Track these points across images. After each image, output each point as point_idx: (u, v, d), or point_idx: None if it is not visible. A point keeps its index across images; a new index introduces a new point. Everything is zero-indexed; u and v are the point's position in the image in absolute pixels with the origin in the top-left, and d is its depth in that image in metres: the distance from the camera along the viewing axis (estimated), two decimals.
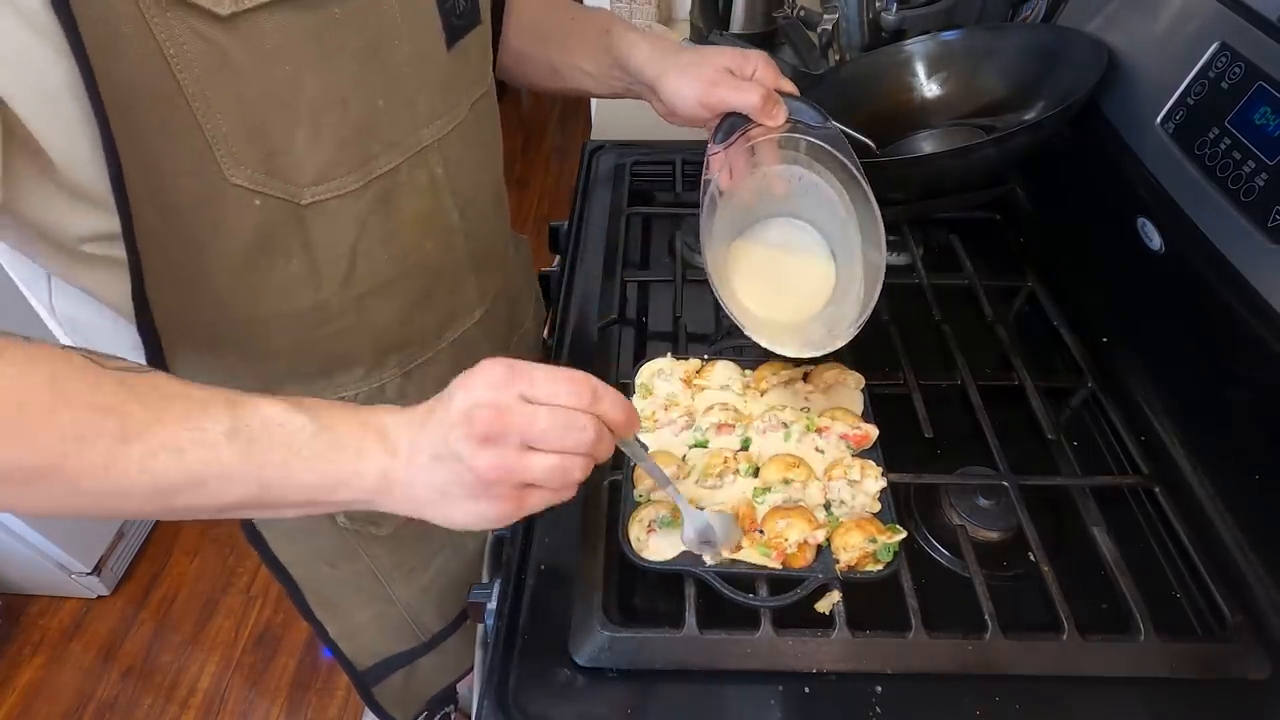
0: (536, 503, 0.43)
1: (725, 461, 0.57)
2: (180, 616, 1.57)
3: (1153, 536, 0.60)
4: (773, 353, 0.66)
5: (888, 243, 0.60)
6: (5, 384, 0.36)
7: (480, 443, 0.39)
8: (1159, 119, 0.66)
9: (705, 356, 0.66)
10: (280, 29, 0.43)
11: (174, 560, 1.66)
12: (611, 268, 0.81)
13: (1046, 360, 0.72)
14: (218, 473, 0.39)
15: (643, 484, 0.56)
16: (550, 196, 2.65)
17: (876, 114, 0.87)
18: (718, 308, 0.80)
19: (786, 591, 0.52)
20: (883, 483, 0.56)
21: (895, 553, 0.52)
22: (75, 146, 0.40)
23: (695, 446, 0.60)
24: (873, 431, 0.59)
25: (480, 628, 0.65)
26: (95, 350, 0.40)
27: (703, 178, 0.64)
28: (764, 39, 1.20)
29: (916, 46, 0.88)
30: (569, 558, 0.56)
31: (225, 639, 1.53)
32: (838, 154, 0.62)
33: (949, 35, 0.87)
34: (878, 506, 0.55)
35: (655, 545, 0.53)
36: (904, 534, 0.53)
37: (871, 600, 0.53)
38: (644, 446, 0.49)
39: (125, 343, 0.53)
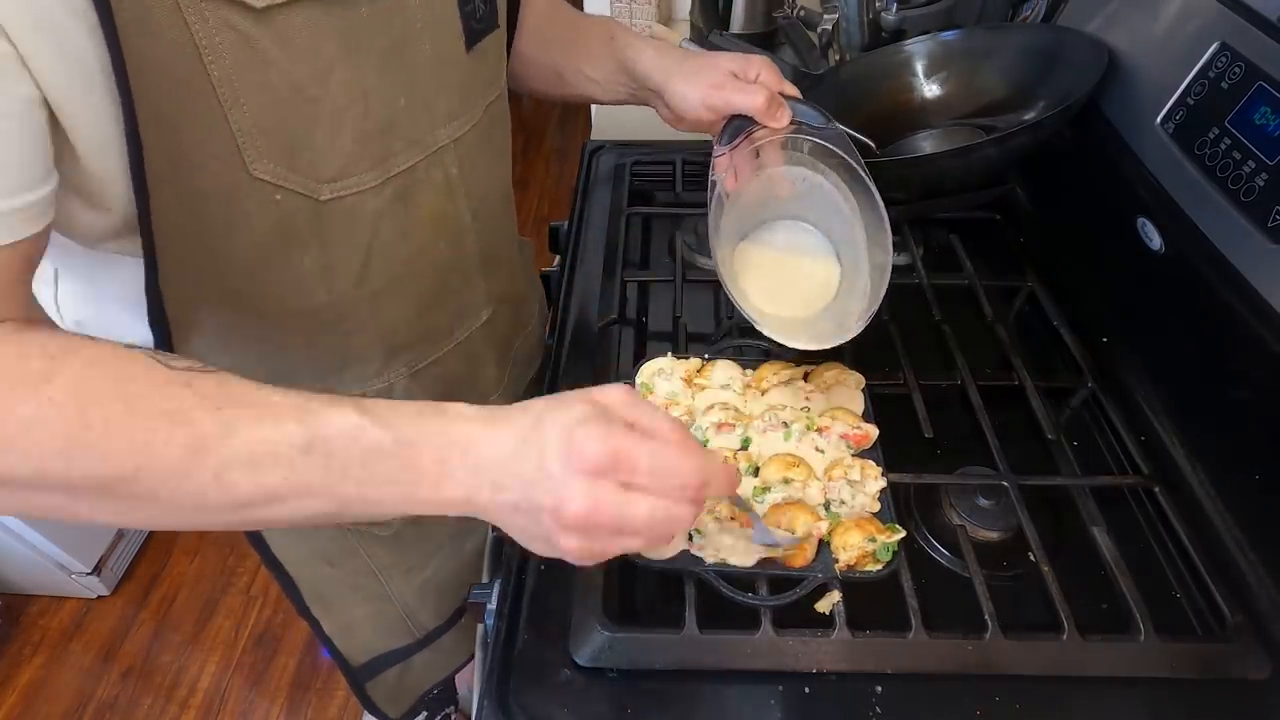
0: (615, 554, 0.41)
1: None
2: (180, 616, 1.57)
3: (1153, 536, 0.60)
4: (773, 353, 0.66)
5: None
6: (71, 386, 0.35)
7: (567, 529, 0.38)
8: (1159, 119, 0.66)
9: (706, 356, 0.67)
10: (309, 25, 0.43)
11: (174, 560, 1.66)
12: (611, 268, 0.81)
13: (1046, 360, 0.72)
14: (294, 489, 0.38)
15: None
16: (550, 196, 2.65)
17: (876, 114, 0.87)
18: (718, 308, 0.80)
19: (786, 591, 0.52)
20: (882, 483, 0.56)
21: (895, 552, 0.52)
22: (103, 133, 0.40)
23: None
24: (873, 431, 0.59)
25: (480, 627, 0.65)
26: (153, 349, 0.39)
27: (709, 179, 0.65)
28: (764, 39, 1.20)
29: (916, 46, 0.88)
30: None
31: (225, 639, 1.53)
32: (842, 154, 0.62)
33: (949, 35, 0.87)
34: (877, 506, 0.55)
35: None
36: (903, 534, 0.53)
37: (871, 600, 0.53)
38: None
39: None
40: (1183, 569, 0.57)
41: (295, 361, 0.59)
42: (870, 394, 0.63)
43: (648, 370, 0.65)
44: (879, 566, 0.52)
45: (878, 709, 0.49)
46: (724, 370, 0.65)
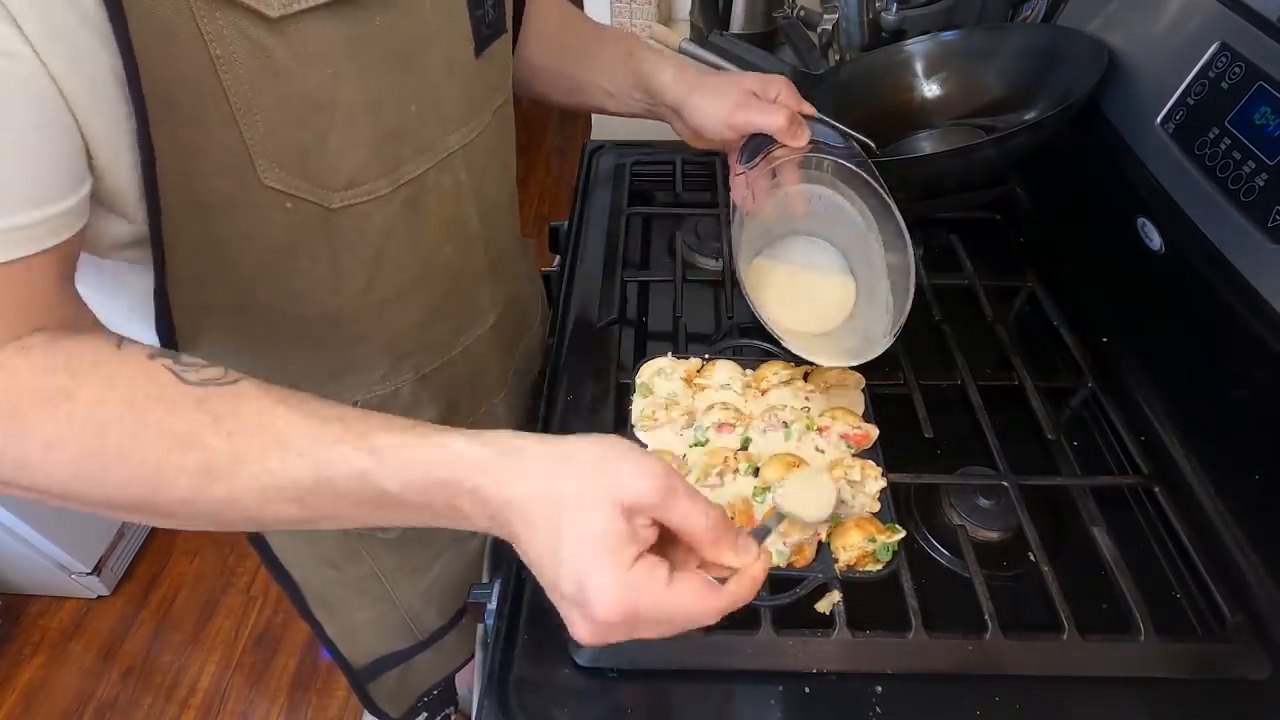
0: None
1: (725, 461, 0.57)
2: (180, 616, 1.57)
3: (1153, 536, 0.60)
4: (773, 353, 0.66)
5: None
6: (89, 406, 0.36)
7: (592, 627, 0.37)
8: (1159, 119, 0.66)
9: (706, 356, 0.67)
10: (323, 33, 0.43)
11: (174, 560, 1.66)
12: (611, 268, 0.81)
13: (1046, 360, 0.72)
14: (304, 517, 0.38)
15: None
16: (550, 196, 2.65)
17: (876, 114, 0.87)
18: (718, 308, 0.80)
19: (786, 591, 0.52)
20: (882, 483, 0.56)
21: (894, 552, 0.52)
22: (115, 141, 0.40)
23: (695, 446, 0.60)
24: (873, 431, 0.59)
25: (480, 627, 0.65)
26: (178, 356, 0.39)
27: (730, 196, 0.66)
28: (764, 39, 1.20)
29: (916, 46, 0.88)
30: None
31: (225, 639, 1.53)
32: (861, 172, 0.62)
33: (949, 35, 0.87)
34: (877, 506, 0.55)
35: None
36: (903, 533, 0.53)
37: (871, 600, 0.53)
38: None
39: None
40: (1183, 569, 0.57)
41: (301, 366, 0.59)
42: (870, 394, 0.63)
43: (648, 370, 0.65)
44: (879, 566, 0.52)
45: (878, 709, 0.49)
46: (724, 370, 0.65)
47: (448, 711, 1.22)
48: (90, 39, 0.36)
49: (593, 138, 1.04)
